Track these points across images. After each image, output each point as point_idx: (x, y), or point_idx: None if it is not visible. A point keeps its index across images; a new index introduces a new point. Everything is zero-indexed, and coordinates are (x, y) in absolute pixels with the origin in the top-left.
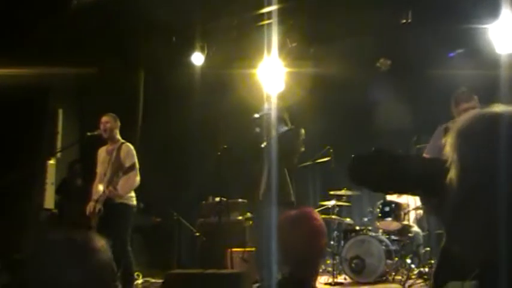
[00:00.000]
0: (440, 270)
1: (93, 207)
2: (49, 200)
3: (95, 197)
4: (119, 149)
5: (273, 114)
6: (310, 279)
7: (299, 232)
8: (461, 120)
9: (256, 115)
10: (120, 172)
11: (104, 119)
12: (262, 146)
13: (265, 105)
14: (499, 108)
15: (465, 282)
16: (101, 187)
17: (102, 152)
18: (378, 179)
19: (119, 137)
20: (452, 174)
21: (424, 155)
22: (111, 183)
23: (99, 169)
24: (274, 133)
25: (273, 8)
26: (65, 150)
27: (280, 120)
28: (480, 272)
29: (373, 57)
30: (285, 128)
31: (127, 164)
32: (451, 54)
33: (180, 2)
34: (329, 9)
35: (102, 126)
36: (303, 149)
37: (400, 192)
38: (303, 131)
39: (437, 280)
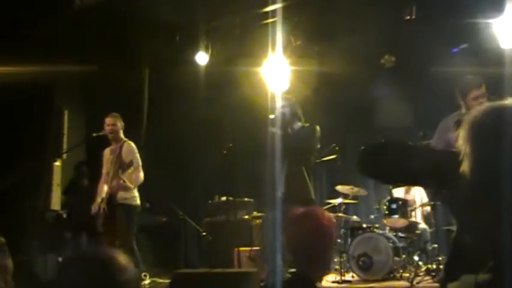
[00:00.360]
0: (452, 262)
1: (97, 207)
2: (55, 201)
3: (99, 197)
4: (121, 147)
5: (287, 111)
6: (317, 278)
7: (305, 230)
8: (474, 113)
9: (272, 116)
10: (121, 169)
11: (108, 120)
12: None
13: (279, 103)
14: (510, 101)
15: (478, 275)
16: (106, 187)
17: (106, 152)
18: (388, 169)
19: (122, 136)
20: (465, 166)
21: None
22: (114, 180)
23: (104, 169)
24: (289, 131)
25: (277, 6)
26: (71, 151)
27: (295, 116)
28: (493, 264)
29: (377, 54)
30: (300, 125)
31: (135, 162)
32: (455, 50)
33: (184, 1)
34: (333, 6)
35: (106, 128)
36: (318, 146)
37: (410, 183)
38: (318, 127)
39: (449, 273)
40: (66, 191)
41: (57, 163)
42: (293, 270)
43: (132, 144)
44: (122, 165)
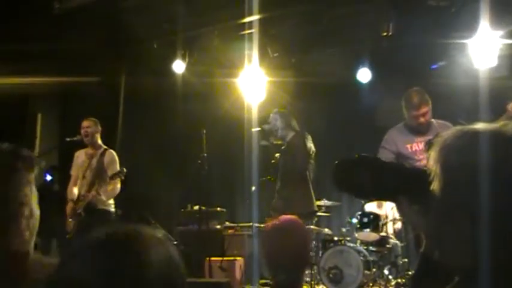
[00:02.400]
0: (419, 276)
1: (71, 208)
2: None
3: (70, 201)
4: (102, 155)
5: (279, 123)
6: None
7: (289, 241)
8: (445, 135)
9: (266, 126)
10: (102, 178)
11: (85, 123)
12: (277, 155)
13: (271, 115)
14: (479, 125)
15: None
16: (75, 190)
17: (80, 155)
18: (361, 185)
19: (100, 142)
20: (435, 185)
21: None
22: (92, 188)
23: (75, 172)
24: (283, 143)
25: (255, 18)
26: (44, 155)
27: (289, 127)
28: (460, 280)
29: (354, 67)
30: (292, 134)
31: (111, 171)
32: (434, 66)
33: (162, 10)
34: (310, 19)
35: (83, 131)
36: (313, 150)
37: (382, 199)
38: (308, 135)
39: (415, 286)
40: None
41: None
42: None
43: (114, 153)
44: (101, 173)
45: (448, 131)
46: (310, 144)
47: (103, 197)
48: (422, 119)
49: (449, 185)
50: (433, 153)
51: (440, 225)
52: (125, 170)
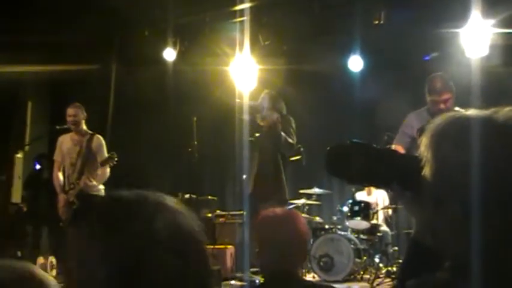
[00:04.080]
0: (409, 261)
1: (64, 199)
2: (16, 194)
3: (57, 186)
4: (90, 140)
5: (265, 101)
6: (297, 271)
7: (288, 230)
8: (437, 121)
9: (252, 102)
10: (91, 164)
11: (70, 111)
12: (252, 138)
13: (261, 95)
14: (472, 112)
15: (437, 274)
16: (61, 176)
17: (65, 141)
18: (352, 171)
19: (85, 128)
20: (426, 171)
21: (395, 142)
22: (82, 174)
23: (59, 157)
24: (263, 121)
25: (246, 5)
26: (33, 143)
27: (274, 108)
28: (451, 264)
29: (345, 56)
30: (276, 116)
31: (100, 156)
32: (427, 58)
33: None
34: (301, 8)
35: (70, 119)
36: (294, 139)
37: (374, 185)
38: (291, 119)
39: (405, 273)
40: (26, 183)
41: (19, 155)
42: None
43: (101, 138)
44: (91, 159)
45: (440, 117)
46: (292, 127)
47: (94, 183)
48: (442, 106)
49: (440, 171)
50: (425, 139)
51: (432, 211)
52: (115, 155)
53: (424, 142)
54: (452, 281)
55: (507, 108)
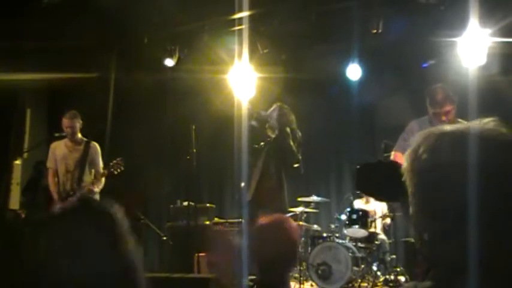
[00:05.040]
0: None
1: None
2: (14, 201)
3: (54, 192)
4: (87, 147)
5: (275, 114)
6: (281, 284)
7: (276, 239)
8: (416, 137)
9: (263, 112)
10: (88, 171)
11: (68, 122)
12: (256, 146)
13: (273, 106)
14: (452, 126)
15: (419, 283)
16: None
17: (58, 148)
18: (379, 187)
19: (80, 135)
20: (409, 188)
21: (395, 149)
22: (81, 181)
23: (53, 164)
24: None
25: (245, 14)
26: (32, 150)
27: (281, 122)
28: (433, 272)
29: (343, 64)
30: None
31: (99, 164)
32: (425, 65)
33: (152, 5)
34: (299, 16)
35: (69, 130)
36: (299, 155)
37: (396, 200)
38: (299, 134)
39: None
40: (25, 190)
41: (18, 162)
42: (253, 277)
43: (97, 145)
44: (89, 166)
45: (420, 132)
46: (294, 139)
47: (96, 189)
48: (444, 118)
49: (417, 186)
50: (405, 155)
51: (415, 226)
52: (122, 162)
53: (405, 158)
54: None
55: (485, 120)
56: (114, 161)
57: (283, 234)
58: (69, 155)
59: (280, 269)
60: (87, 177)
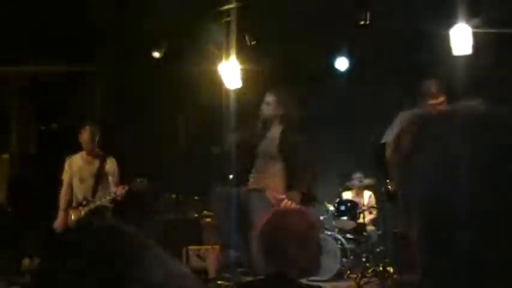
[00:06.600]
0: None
1: (75, 214)
2: (1, 195)
3: (63, 200)
4: (103, 161)
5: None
6: (300, 277)
7: (297, 230)
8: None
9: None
10: (104, 183)
11: (85, 136)
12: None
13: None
14: (440, 109)
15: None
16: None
17: (75, 161)
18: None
19: (98, 149)
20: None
21: (383, 139)
22: (96, 192)
23: (67, 177)
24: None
25: (232, 5)
26: (19, 144)
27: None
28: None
29: (331, 56)
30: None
31: (115, 178)
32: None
33: None
34: (287, 7)
35: (86, 146)
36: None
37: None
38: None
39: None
40: (11, 184)
41: (5, 156)
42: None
43: (114, 160)
44: (104, 179)
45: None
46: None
47: (109, 202)
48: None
49: (398, 183)
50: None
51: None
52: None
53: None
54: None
55: (469, 103)
56: (139, 180)
57: (302, 225)
58: (85, 167)
59: (299, 260)
60: (101, 191)
